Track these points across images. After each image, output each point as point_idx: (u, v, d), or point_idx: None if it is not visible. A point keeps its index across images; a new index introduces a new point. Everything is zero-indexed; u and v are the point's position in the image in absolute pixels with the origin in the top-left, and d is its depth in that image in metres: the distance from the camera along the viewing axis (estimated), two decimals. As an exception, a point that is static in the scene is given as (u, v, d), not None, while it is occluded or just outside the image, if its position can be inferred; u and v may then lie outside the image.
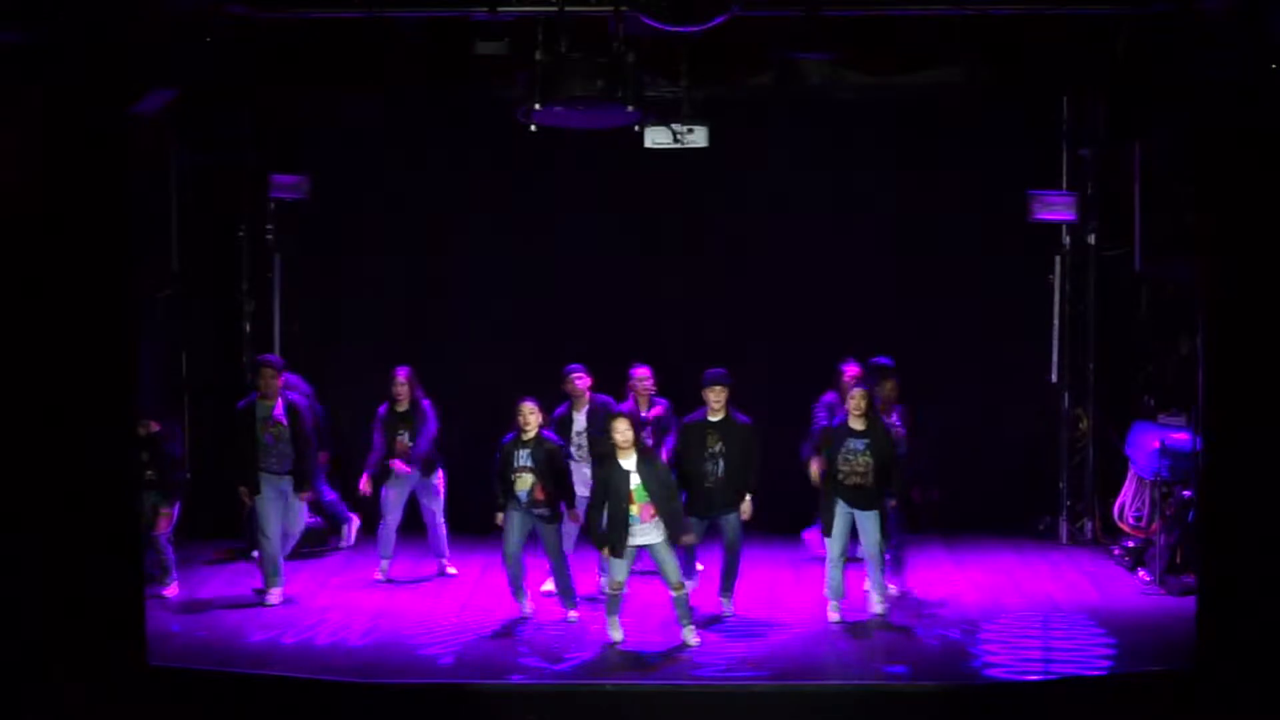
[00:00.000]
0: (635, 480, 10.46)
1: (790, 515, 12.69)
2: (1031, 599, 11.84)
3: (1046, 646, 10.61)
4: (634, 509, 10.46)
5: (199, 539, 13.37)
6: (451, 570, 12.51)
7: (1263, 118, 9.61)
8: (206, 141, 13.03)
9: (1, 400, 9.52)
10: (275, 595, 11.62)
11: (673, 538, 10.58)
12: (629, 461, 10.49)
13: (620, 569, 10.57)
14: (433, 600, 11.85)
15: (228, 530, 13.59)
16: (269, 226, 13.82)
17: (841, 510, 11.03)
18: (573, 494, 11.22)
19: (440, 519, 12.45)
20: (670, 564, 10.58)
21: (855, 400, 11.02)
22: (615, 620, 10.68)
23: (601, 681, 9.98)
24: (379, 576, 12.29)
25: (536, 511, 10.99)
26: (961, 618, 11.23)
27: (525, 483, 10.96)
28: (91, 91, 9.41)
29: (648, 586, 11.32)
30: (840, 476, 11.01)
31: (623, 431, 10.48)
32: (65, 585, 9.53)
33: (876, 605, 11.16)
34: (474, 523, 12.69)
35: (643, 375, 12.15)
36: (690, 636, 10.59)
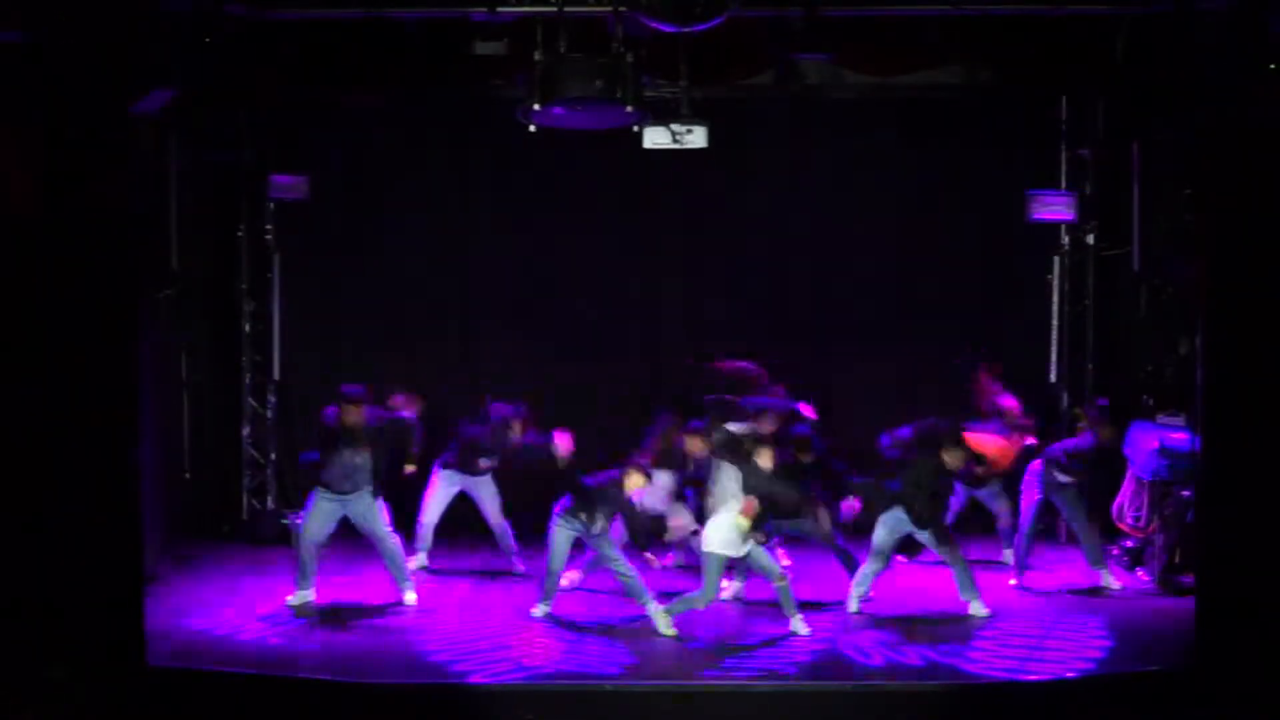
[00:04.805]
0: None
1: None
2: (1031, 599, 11.85)
3: (1046, 646, 10.62)
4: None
5: (199, 539, 13.40)
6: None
7: (1262, 118, 9.62)
8: (206, 141, 13.03)
9: (1, 400, 9.52)
10: (299, 597, 11.61)
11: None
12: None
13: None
14: (433, 600, 11.85)
15: (227, 531, 13.66)
16: (269, 226, 13.82)
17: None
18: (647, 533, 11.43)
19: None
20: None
21: None
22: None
23: (601, 682, 9.99)
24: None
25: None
26: (962, 618, 11.23)
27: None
28: (91, 91, 9.41)
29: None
30: None
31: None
32: (65, 585, 9.52)
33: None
34: (475, 526, 12.70)
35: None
36: (662, 625, 10.77)
